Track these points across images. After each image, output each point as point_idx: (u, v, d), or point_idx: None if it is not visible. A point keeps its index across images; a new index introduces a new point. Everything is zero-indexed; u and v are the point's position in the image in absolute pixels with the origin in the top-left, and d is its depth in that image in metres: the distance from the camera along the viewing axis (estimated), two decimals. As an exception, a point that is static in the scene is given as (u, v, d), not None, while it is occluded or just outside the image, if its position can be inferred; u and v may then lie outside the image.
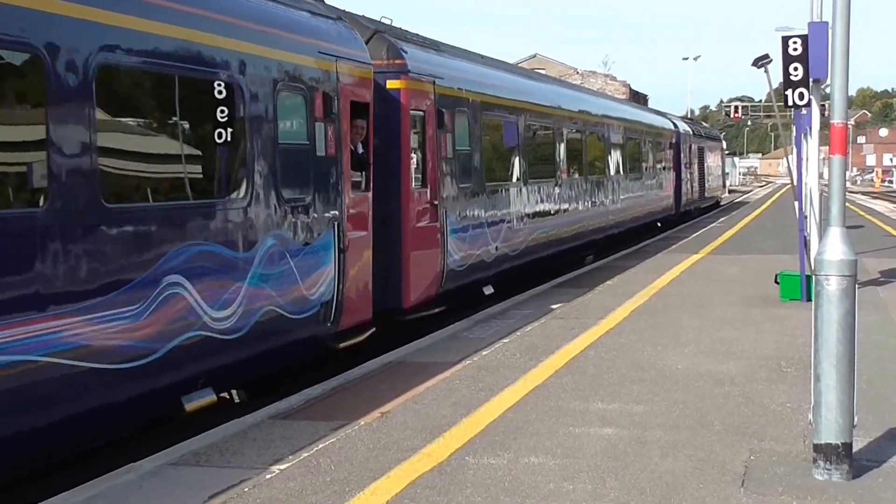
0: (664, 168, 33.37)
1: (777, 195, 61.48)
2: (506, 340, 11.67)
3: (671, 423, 7.86)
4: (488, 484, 6.45)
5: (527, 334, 12.10)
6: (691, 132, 40.21)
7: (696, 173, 40.45)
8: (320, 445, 7.41)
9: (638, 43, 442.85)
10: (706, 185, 44.06)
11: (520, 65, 38.18)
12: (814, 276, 6.63)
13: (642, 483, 6.42)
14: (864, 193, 70.65)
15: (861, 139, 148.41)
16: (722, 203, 53.00)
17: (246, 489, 6.45)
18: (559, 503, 6.07)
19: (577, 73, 56.65)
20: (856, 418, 6.51)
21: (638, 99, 49.73)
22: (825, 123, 10.76)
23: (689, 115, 73.51)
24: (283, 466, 6.93)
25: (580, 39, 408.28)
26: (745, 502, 6.06)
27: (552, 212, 19.25)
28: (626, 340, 11.45)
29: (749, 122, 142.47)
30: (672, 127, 36.38)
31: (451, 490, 6.34)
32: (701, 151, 42.41)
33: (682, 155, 36.67)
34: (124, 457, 7.55)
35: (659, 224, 32.33)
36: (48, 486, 7.10)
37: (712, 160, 47.50)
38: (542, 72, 36.29)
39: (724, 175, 57.33)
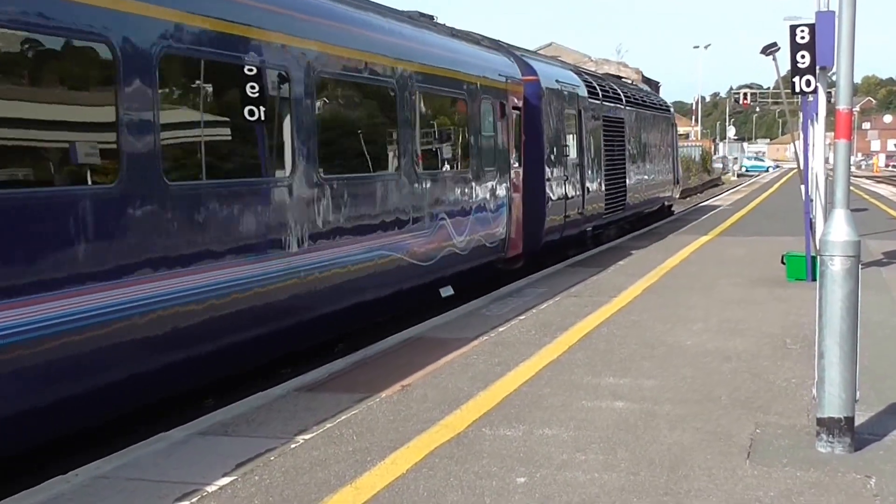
0: (474, 163, 14.91)
1: (784, 178, 61.27)
2: (522, 317, 11.88)
3: (680, 398, 8.01)
4: (504, 454, 6.60)
5: (542, 311, 12.29)
6: (579, 90, 20.65)
7: (599, 168, 21.69)
8: (343, 417, 7.58)
9: (651, 31, 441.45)
10: (630, 185, 24.94)
11: (539, 52, 26.92)
12: (819, 257, 6.73)
13: (652, 454, 6.55)
14: (868, 177, 70.36)
15: (866, 125, 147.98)
16: (675, 208, 34.16)
17: (272, 458, 6.61)
18: (572, 473, 6.20)
19: (591, 60, 56.43)
20: (858, 393, 6.60)
21: (650, 85, 43.55)
22: (831, 110, 10.94)
23: (698, 102, 72.35)
24: (307, 436, 7.09)
25: (595, 27, 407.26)
26: (750, 473, 6.17)
27: None
28: (637, 318, 11.62)
29: (758, 109, 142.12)
30: (508, 74, 16.75)
31: (469, 459, 6.49)
32: (617, 128, 23.62)
33: (546, 134, 17.92)
34: (153, 429, 7.74)
35: (451, 289, 14.34)
36: (81, 455, 7.27)
37: (650, 142, 28.10)
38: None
39: (677, 165, 33.35)
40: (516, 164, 16.79)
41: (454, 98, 14.37)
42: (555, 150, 18.42)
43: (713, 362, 9.30)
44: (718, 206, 34.81)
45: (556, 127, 18.64)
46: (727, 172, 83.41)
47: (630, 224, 26.19)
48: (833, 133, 6.93)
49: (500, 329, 11.14)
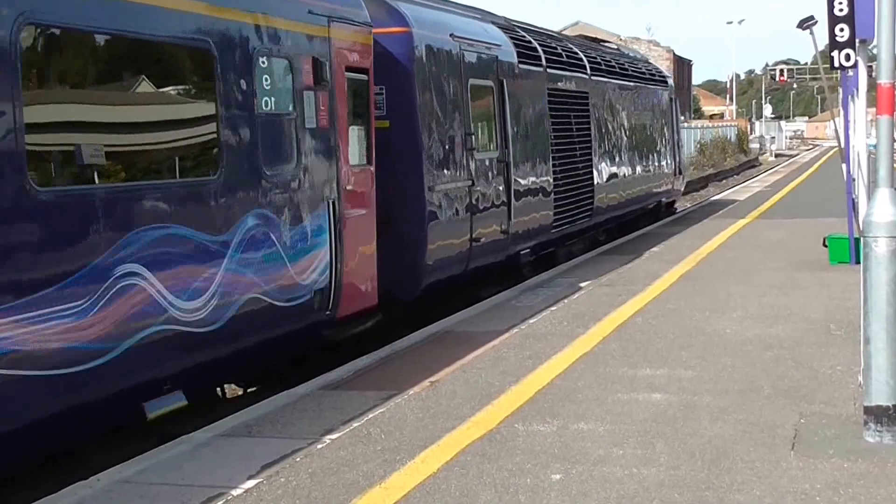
0: (229, 163, 8.25)
1: (825, 158, 60.72)
2: (553, 308, 11.76)
3: (720, 388, 7.90)
4: (538, 450, 6.53)
5: (574, 302, 12.17)
6: (501, 52, 14.36)
7: (542, 163, 15.52)
8: (370, 415, 7.52)
9: (683, 8, 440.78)
10: (601, 182, 18.58)
11: (562, 32, 25.86)
12: (862, 239, 6.63)
13: (692, 447, 6.46)
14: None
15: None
16: (678, 205, 27.88)
17: (298, 459, 6.56)
18: (609, 468, 6.13)
19: (621, 39, 56.16)
20: (907, 380, 6.48)
21: (682, 64, 42.26)
22: (872, 84, 10.68)
23: (732, 80, 71.69)
24: (334, 436, 7.04)
25: (625, 5, 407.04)
26: (795, 465, 6.08)
27: None
28: (673, 306, 11.48)
29: (795, 86, 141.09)
30: (336, 14, 10.05)
31: (502, 457, 6.42)
32: (576, 106, 17.61)
33: (426, 115, 11.89)
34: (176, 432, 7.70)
35: (182, 396, 7.89)
36: (101, 459, 7.25)
37: (637, 124, 21.71)
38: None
39: (679, 152, 26.02)
40: (360, 162, 10.53)
41: (174, 46, 7.85)
42: (446, 139, 12.24)
43: (754, 350, 9.16)
44: (756, 189, 34.51)
45: (448, 105, 12.37)
46: (764, 153, 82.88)
47: (608, 233, 20.42)
48: (875, 109, 6.72)
49: (531, 321, 11.04)
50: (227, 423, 7.53)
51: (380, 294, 10.75)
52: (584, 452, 6.46)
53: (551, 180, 15.74)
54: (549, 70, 16.17)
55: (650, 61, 26.66)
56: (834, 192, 25.39)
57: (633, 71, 22.07)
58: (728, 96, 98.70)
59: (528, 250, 14.90)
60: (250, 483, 6.15)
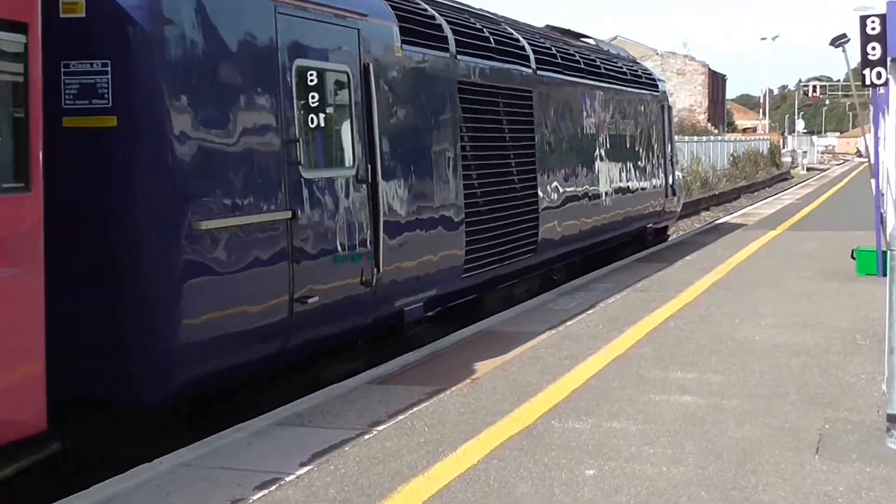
0: None
1: (855, 172, 60.32)
2: (589, 311, 11.87)
3: (748, 392, 8.01)
4: (573, 447, 6.69)
5: (609, 306, 12.28)
6: (365, 26, 9.40)
7: (445, 183, 10.90)
8: (415, 409, 7.69)
9: (718, 24, 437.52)
10: (551, 207, 13.88)
11: None
12: (888, 252, 6.73)
13: (719, 448, 6.59)
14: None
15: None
16: (670, 231, 23.15)
17: (346, 448, 6.75)
18: (640, 466, 6.27)
19: (657, 53, 55.96)
20: (929, 389, 6.52)
21: (717, 79, 41.34)
22: (902, 103, 10.88)
23: (765, 96, 70.97)
24: (380, 428, 7.21)
25: (662, 21, 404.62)
26: (819, 468, 6.18)
27: None
28: (704, 313, 11.58)
29: (827, 102, 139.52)
30: None
31: (538, 452, 6.60)
32: (512, 108, 12.91)
33: (176, 113, 7.11)
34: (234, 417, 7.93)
35: None
36: (162, 444, 7.47)
37: (614, 135, 17.20)
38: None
39: (673, 169, 21.42)
40: None
41: None
42: (238, 147, 7.72)
43: (782, 357, 9.26)
44: (787, 201, 34.43)
45: (245, 96, 7.86)
46: (796, 166, 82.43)
47: (569, 269, 15.80)
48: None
49: (568, 323, 11.16)
50: (282, 413, 7.69)
51: (90, 402, 7.05)
52: (616, 450, 6.61)
53: (461, 205, 11.26)
54: (460, 57, 11.61)
55: (638, 61, 22.34)
56: (863, 205, 25.45)
57: (608, 70, 17.46)
58: (761, 111, 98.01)
59: (418, 305, 10.39)
60: (302, 469, 6.34)
